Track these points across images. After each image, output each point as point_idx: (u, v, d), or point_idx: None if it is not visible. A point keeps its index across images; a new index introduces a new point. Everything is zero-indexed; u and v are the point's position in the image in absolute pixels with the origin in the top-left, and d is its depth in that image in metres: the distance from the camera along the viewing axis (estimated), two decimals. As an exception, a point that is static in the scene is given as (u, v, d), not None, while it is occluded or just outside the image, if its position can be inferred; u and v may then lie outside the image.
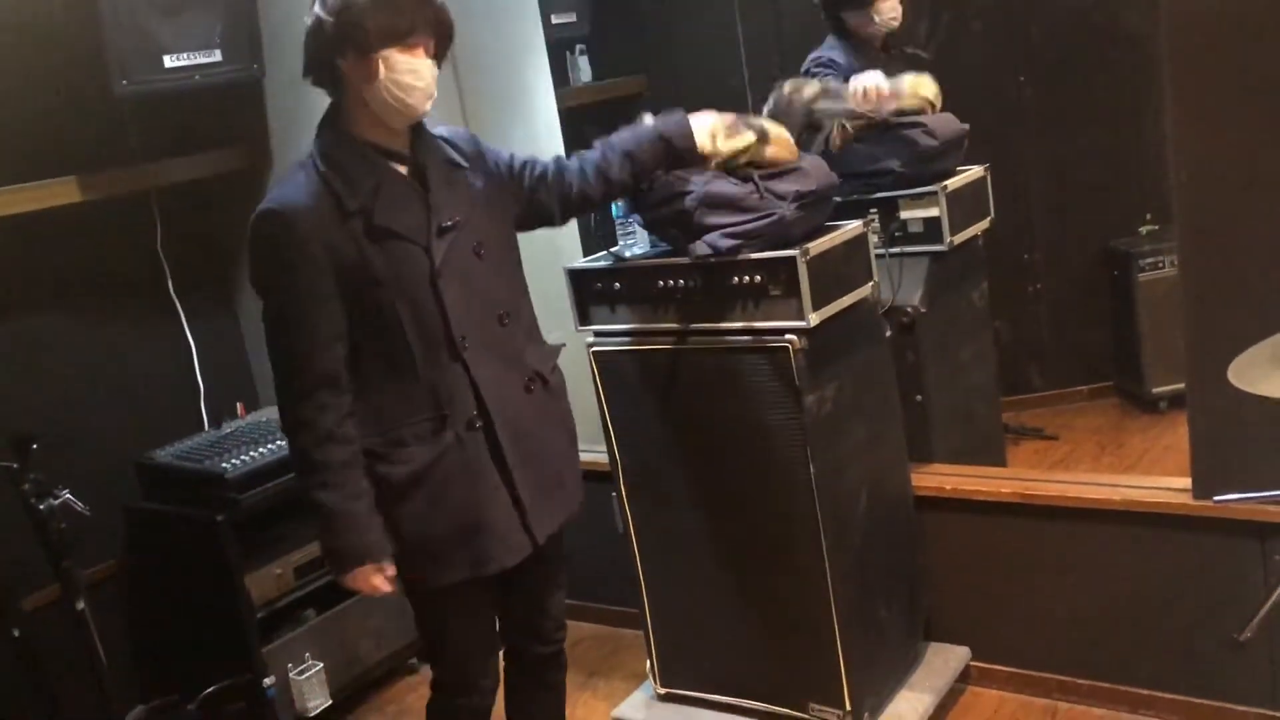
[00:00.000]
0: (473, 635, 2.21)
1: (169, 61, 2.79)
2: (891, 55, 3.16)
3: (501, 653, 2.32)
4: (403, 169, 2.03)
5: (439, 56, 2.03)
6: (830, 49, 3.10)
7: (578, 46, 4.15)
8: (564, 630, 2.36)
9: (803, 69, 3.08)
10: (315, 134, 2.04)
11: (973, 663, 2.82)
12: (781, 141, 2.42)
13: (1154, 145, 4.02)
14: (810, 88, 2.85)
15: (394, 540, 2.05)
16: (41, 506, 2.27)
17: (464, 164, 2.12)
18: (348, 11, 1.90)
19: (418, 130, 2.07)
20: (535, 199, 2.22)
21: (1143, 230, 4.15)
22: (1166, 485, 2.53)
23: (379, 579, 2.04)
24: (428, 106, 2.01)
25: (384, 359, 2.01)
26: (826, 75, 3.02)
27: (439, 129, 2.16)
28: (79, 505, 2.35)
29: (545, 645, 2.33)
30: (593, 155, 2.26)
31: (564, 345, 2.31)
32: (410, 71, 1.95)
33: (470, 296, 2.04)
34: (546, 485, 2.15)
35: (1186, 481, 2.46)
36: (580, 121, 3.64)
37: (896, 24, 3.11)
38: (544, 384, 2.17)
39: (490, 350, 2.06)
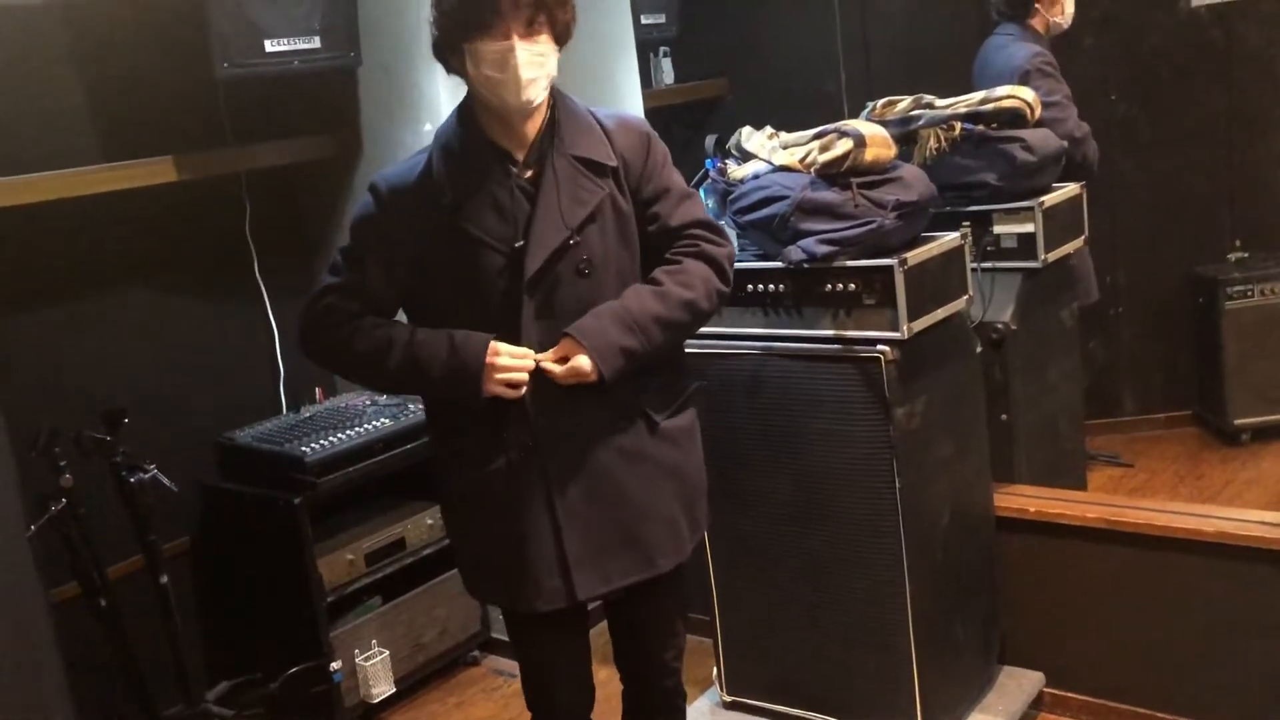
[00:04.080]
0: (539, 662, 2.10)
1: (270, 46, 2.82)
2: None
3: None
4: (520, 168, 1.89)
5: (554, 32, 1.83)
6: (1034, 42, 3.33)
7: (661, 48, 4.15)
8: (673, 677, 2.19)
9: (1021, 69, 3.24)
10: (454, 110, 1.94)
11: (1047, 689, 2.76)
12: (878, 141, 2.38)
13: (1247, 170, 3.94)
14: (904, 101, 2.83)
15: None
16: (132, 480, 2.30)
17: (609, 163, 1.90)
18: (435, 7, 1.83)
19: (555, 122, 1.89)
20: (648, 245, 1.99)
21: (1231, 257, 4.06)
22: (1260, 519, 2.47)
23: (497, 380, 1.84)
24: (530, 95, 1.80)
25: None
26: (1052, 72, 3.24)
27: (607, 115, 1.97)
28: (166, 481, 2.38)
29: (649, 687, 2.19)
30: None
31: (701, 384, 2.14)
32: (495, 61, 1.78)
33: (558, 317, 1.87)
34: (611, 538, 1.94)
35: (1282, 516, 2.40)
36: (661, 123, 3.64)
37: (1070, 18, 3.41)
38: (649, 425, 1.96)
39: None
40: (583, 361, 1.84)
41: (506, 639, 2.18)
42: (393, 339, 1.91)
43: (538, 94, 1.83)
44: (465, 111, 1.92)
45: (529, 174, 1.90)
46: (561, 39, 1.86)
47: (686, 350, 2.51)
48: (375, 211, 1.93)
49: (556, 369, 1.86)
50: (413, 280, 1.94)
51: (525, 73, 1.79)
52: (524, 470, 1.92)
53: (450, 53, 1.86)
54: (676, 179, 2.01)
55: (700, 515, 2.10)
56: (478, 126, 1.90)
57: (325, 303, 1.95)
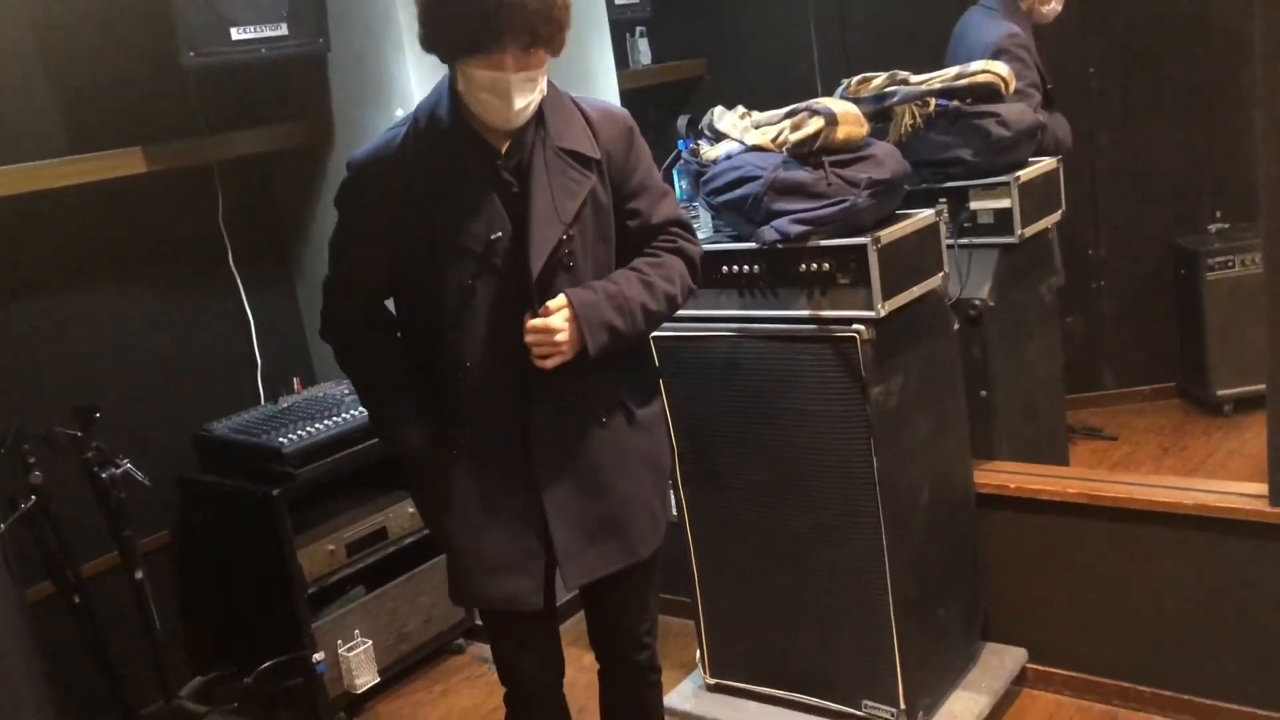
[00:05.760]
0: (511, 645, 2.12)
1: (236, 34, 2.78)
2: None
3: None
4: (503, 158, 1.84)
5: (550, 48, 1.76)
6: (1013, 20, 3.29)
7: (638, 28, 4.12)
8: (646, 651, 2.19)
9: (994, 44, 3.19)
10: (434, 88, 1.88)
11: (1030, 665, 2.76)
12: (850, 119, 2.36)
13: (1226, 141, 3.93)
14: (879, 77, 2.81)
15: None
16: (104, 475, 2.29)
17: (594, 155, 1.88)
18: (424, 24, 1.75)
19: (540, 111, 1.84)
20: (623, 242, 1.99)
21: (1212, 228, 4.05)
22: (1240, 490, 2.46)
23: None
24: (520, 119, 1.78)
25: (427, 352, 1.95)
26: (1023, 56, 3.18)
27: (591, 104, 1.94)
28: (139, 475, 2.36)
29: (623, 662, 2.20)
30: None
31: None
32: (489, 85, 1.74)
33: (541, 310, 1.85)
34: (595, 530, 1.96)
35: (1261, 487, 2.39)
36: (640, 104, 3.61)
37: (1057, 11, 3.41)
38: (628, 417, 1.98)
39: (551, 373, 1.87)
40: (558, 320, 1.82)
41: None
42: (370, 385, 2.00)
43: (527, 115, 1.80)
44: (448, 93, 1.85)
45: (513, 164, 1.85)
46: (556, 51, 1.79)
47: (663, 332, 2.50)
48: (352, 189, 1.91)
49: (536, 323, 1.83)
50: (392, 266, 1.92)
51: (518, 99, 1.76)
52: (511, 463, 1.92)
53: (439, 57, 1.81)
54: (656, 175, 2.01)
55: (668, 497, 2.15)
56: (461, 111, 1.84)
57: (330, 306, 2.00)
